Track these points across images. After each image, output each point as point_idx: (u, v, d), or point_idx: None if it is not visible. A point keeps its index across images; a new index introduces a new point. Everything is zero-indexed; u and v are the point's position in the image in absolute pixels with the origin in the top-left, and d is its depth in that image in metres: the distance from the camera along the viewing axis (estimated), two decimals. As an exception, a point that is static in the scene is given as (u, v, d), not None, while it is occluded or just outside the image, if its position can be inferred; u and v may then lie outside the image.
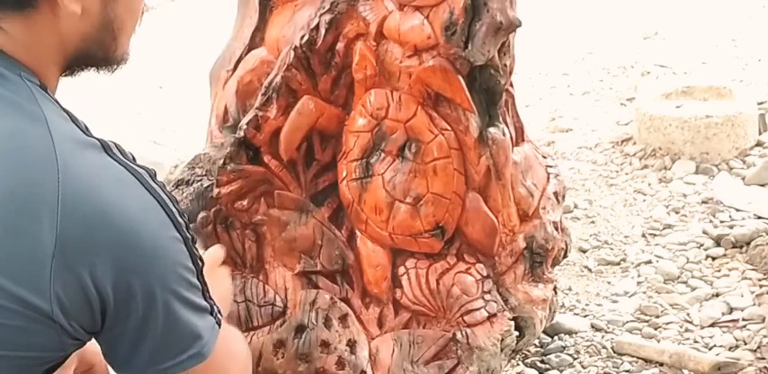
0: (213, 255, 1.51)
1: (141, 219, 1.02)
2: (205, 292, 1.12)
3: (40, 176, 0.97)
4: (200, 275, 1.11)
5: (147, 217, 1.03)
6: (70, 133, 1.03)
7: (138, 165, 1.06)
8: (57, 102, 1.06)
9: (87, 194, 0.99)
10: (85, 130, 1.06)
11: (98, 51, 1.13)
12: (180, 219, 1.07)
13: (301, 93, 1.96)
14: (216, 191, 1.97)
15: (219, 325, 1.14)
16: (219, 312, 1.15)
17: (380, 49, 1.94)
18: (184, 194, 1.99)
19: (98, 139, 1.04)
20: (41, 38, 1.05)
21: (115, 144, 1.06)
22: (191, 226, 1.15)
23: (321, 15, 1.93)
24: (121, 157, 1.05)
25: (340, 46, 1.95)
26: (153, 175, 1.07)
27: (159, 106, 4.84)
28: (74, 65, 1.12)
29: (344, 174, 2.00)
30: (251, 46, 2.10)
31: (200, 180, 2.00)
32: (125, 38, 1.16)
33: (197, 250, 1.11)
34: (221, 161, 1.97)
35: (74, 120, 1.06)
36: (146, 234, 1.02)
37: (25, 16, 1.03)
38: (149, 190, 1.04)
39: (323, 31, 1.93)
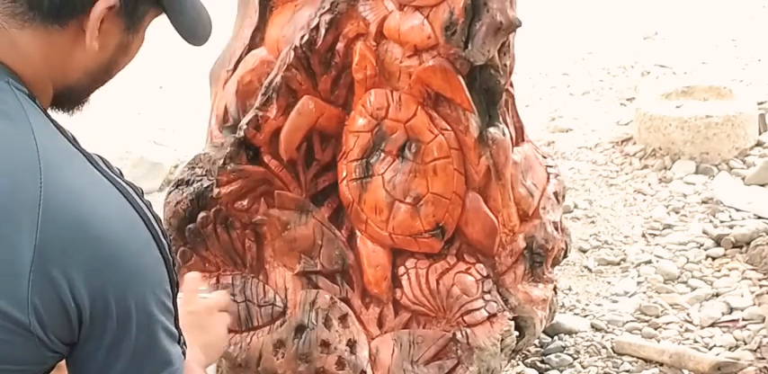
0: (219, 300, 1.46)
1: (124, 235, 1.00)
2: (176, 320, 1.09)
3: (22, 182, 0.95)
4: (174, 301, 1.08)
5: (130, 233, 1.01)
6: (56, 142, 1.01)
7: (125, 181, 1.04)
8: (45, 111, 1.04)
9: (69, 204, 0.97)
10: (73, 142, 1.04)
11: (84, 89, 1.12)
12: (163, 240, 1.05)
13: (301, 93, 1.96)
14: (216, 191, 1.97)
15: (184, 356, 1.11)
16: (185, 343, 1.12)
17: (380, 49, 1.94)
18: (184, 194, 1.99)
19: (84, 152, 1.03)
20: (50, 57, 1.04)
21: (102, 158, 1.04)
22: (172, 246, 1.13)
23: (321, 15, 1.93)
24: (108, 171, 1.03)
25: (340, 46, 1.95)
26: (140, 193, 1.05)
27: (159, 106, 4.84)
28: (57, 96, 1.10)
29: (344, 174, 2.00)
30: (251, 46, 2.10)
31: (200, 180, 2.00)
32: (104, 84, 1.15)
33: (176, 275, 1.08)
34: (221, 161, 1.97)
35: (61, 130, 1.04)
36: (127, 250, 1.00)
37: (48, 31, 1.02)
38: (134, 206, 1.02)
39: (323, 31, 1.93)
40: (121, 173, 1.06)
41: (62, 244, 0.96)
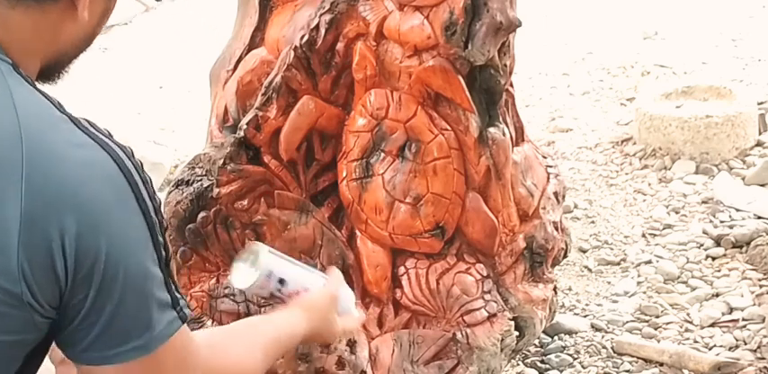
0: (360, 318, 1.54)
1: (108, 197, 0.99)
2: (169, 284, 1.06)
3: (3, 151, 0.95)
4: (163, 264, 1.06)
5: (115, 195, 1.00)
6: (39, 109, 1.00)
7: (113, 142, 1.02)
8: (29, 81, 1.03)
9: (53, 168, 0.96)
10: (58, 106, 1.02)
11: (69, 59, 1.12)
12: (149, 202, 1.03)
13: (301, 93, 1.96)
14: (216, 191, 1.97)
15: (183, 322, 1.07)
16: (186, 307, 1.09)
17: (380, 49, 1.94)
18: (184, 194, 1.99)
19: (71, 116, 1.02)
20: (41, 32, 1.04)
21: (88, 121, 1.03)
22: (162, 209, 1.10)
23: (321, 15, 1.93)
24: (96, 133, 1.01)
25: (340, 46, 1.95)
26: (130, 154, 1.03)
27: (159, 106, 4.84)
28: (42, 68, 1.10)
29: (344, 174, 2.00)
30: (251, 46, 2.10)
31: (200, 180, 2.00)
32: (84, 52, 1.15)
33: (164, 238, 1.06)
34: (221, 161, 1.97)
35: (47, 97, 1.02)
36: (112, 212, 0.99)
37: (41, 7, 1.02)
38: (121, 167, 1.00)
39: (323, 31, 1.93)
40: (110, 135, 1.04)
41: (47, 209, 0.95)
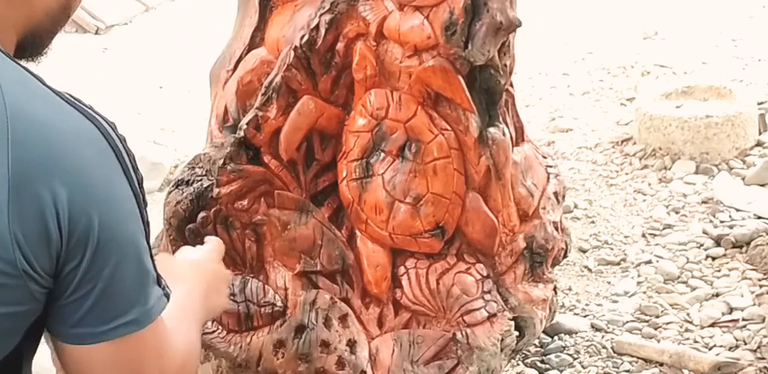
0: (216, 248, 1.47)
1: (95, 161, 0.98)
2: (153, 259, 1.05)
3: None
4: (147, 240, 1.05)
5: (102, 160, 0.99)
6: (22, 81, 0.99)
7: (97, 113, 1.02)
8: (8, 55, 1.02)
9: (39, 135, 0.95)
10: (40, 80, 1.02)
11: (47, 33, 1.11)
12: (133, 174, 1.03)
13: (301, 93, 1.96)
14: (216, 191, 1.97)
15: (168, 299, 1.06)
16: (167, 287, 1.08)
17: (380, 49, 1.94)
18: (184, 194, 1.99)
19: (53, 89, 1.01)
20: (13, 2, 1.04)
21: (70, 94, 1.03)
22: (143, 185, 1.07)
23: (321, 15, 1.93)
24: (79, 104, 1.01)
25: (340, 46, 1.95)
26: (113, 127, 1.03)
27: (159, 106, 4.84)
28: (20, 43, 1.09)
29: (344, 174, 2.00)
30: (251, 46, 2.10)
31: (200, 180, 2.00)
32: (62, 27, 1.14)
33: (146, 213, 1.05)
34: (221, 161, 1.97)
35: (27, 70, 1.02)
36: (98, 176, 0.98)
37: None
38: (106, 136, 1.00)
39: (323, 31, 1.93)
40: (93, 109, 1.04)
41: (35, 174, 0.94)
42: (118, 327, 1.00)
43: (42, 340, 1.09)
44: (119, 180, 1.01)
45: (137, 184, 1.03)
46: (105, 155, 1.00)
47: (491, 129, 1.97)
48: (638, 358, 2.43)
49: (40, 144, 0.95)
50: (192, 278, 1.34)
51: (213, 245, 1.52)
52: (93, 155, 0.98)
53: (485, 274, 2.03)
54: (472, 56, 1.88)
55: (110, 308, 1.00)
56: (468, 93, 1.92)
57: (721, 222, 3.06)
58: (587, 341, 2.52)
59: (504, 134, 1.99)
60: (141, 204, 1.04)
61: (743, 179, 3.33)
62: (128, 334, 1.01)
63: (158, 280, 1.06)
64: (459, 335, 1.98)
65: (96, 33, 6.09)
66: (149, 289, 1.03)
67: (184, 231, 2.00)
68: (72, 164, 0.96)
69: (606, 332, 2.56)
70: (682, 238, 3.00)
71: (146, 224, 1.05)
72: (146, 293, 1.03)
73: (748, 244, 2.87)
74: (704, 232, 3.02)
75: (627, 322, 2.59)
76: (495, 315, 2.02)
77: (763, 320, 2.51)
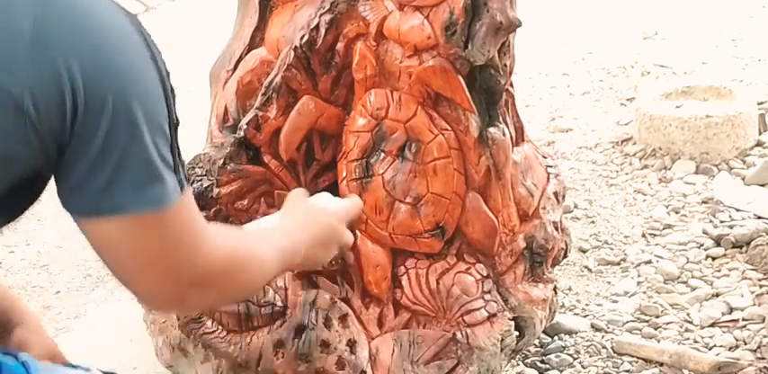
0: (350, 209, 1.47)
1: (125, 44, 0.97)
2: (175, 148, 1.02)
3: None
4: (173, 130, 1.02)
5: (131, 43, 0.98)
6: None
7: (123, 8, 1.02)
8: None
9: (68, 5, 0.94)
10: None
11: None
12: (162, 67, 1.02)
13: (301, 93, 1.96)
14: (216, 191, 1.97)
15: (182, 189, 1.02)
16: (186, 179, 1.05)
17: (380, 49, 1.94)
18: (184, 194, 1.99)
19: None
20: None
21: None
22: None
23: (321, 15, 1.93)
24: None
25: (340, 46, 1.95)
26: (139, 22, 1.02)
27: (159, 106, 4.83)
28: None
29: (344, 174, 2.00)
30: (251, 46, 2.11)
31: (200, 180, 2.00)
32: None
33: (174, 107, 1.04)
34: (221, 161, 1.97)
35: None
36: (129, 56, 0.97)
37: None
38: (133, 23, 0.99)
39: (323, 31, 1.93)
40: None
41: (59, 35, 0.93)
42: (139, 202, 0.98)
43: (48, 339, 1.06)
44: (145, 66, 1.00)
45: (167, 77, 1.03)
46: (134, 42, 0.99)
47: (491, 129, 1.97)
48: (638, 358, 2.43)
49: (66, 15, 0.94)
50: (305, 221, 1.33)
51: (348, 204, 1.50)
52: (121, 32, 0.98)
53: (485, 274, 2.03)
54: (472, 56, 1.88)
55: (126, 178, 0.97)
56: (468, 93, 1.92)
57: (721, 222, 3.06)
58: (587, 341, 2.51)
59: (504, 134, 1.99)
60: (169, 91, 1.03)
61: (743, 179, 3.33)
62: (149, 210, 0.99)
63: (177, 169, 1.03)
64: (459, 335, 1.98)
65: (96, 33, 6.07)
66: (167, 173, 1.00)
67: (184, 231, 2.00)
68: (95, 44, 0.94)
69: (606, 332, 2.55)
70: (682, 238, 3.00)
71: (174, 115, 1.03)
72: (163, 172, 1.00)
73: (748, 244, 2.87)
74: (704, 232, 3.02)
75: (627, 322, 2.59)
76: (495, 315, 2.02)
77: (763, 320, 2.51)
